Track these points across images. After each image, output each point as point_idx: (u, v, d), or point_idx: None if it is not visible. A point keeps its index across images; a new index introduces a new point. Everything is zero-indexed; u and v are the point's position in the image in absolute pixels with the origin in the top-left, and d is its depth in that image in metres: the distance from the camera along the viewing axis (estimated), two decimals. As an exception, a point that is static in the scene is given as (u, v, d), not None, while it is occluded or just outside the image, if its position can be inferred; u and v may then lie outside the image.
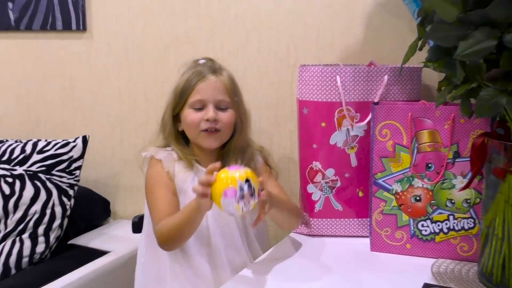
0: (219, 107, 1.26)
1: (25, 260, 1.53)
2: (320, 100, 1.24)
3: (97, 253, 1.56)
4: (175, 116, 1.30)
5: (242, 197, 0.98)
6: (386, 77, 1.23)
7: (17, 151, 1.66)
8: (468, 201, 1.13)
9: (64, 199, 1.61)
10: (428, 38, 0.97)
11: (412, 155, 1.15)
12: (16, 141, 1.72)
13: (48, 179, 1.60)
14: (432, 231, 1.15)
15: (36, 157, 1.64)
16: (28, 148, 1.66)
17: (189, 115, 1.26)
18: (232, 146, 1.29)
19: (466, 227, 1.14)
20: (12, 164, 1.64)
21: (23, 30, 1.89)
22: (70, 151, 1.64)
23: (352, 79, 1.23)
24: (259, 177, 1.05)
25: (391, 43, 1.39)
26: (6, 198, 1.58)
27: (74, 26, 1.81)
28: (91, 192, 1.81)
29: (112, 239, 1.68)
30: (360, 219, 1.29)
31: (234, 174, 1.00)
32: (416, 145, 1.14)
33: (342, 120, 1.24)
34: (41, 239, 1.56)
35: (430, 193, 1.15)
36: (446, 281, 1.04)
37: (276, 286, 1.05)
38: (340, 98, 1.23)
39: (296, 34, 1.51)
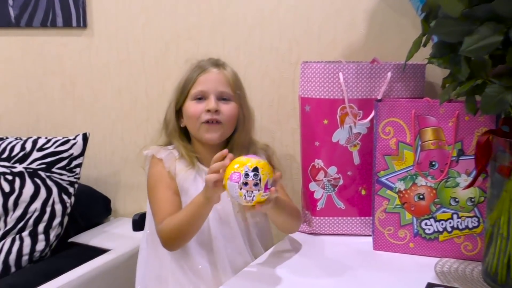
0: (221, 98, 1.25)
1: (25, 258, 1.52)
2: (322, 97, 1.23)
3: (98, 251, 1.55)
4: (178, 111, 1.29)
5: (246, 184, 0.98)
6: (389, 74, 1.22)
7: (17, 149, 1.65)
8: (473, 199, 1.11)
9: (64, 197, 1.60)
10: (432, 33, 0.96)
11: (415, 153, 1.13)
12: (16, 139, 1.71)
13: (48, 176, 1.60)
14: (436, 230, 1.14)
15: (36, 154, 1.63)
16: (28, 146, 1.65)
17: (191, 107, 1.25)
18: (234, 143, 1.28)
19: (470, 226, 1.12)
20: (12, 161, 1.63)
21: (23, 27, 1.89)
22: (70, 148, 1.63)
23: (355, 76, 1.22)
24: (276, 172, 1.04)
25: (394, 39, 1.38)
26: (6, 196, 1.57)
27: (74, 23, 1.80)
28: (92, 190, 1.80)
29: (113, 237, 1.67)
30: (362, 218, 1.28)
31: (245, 160, 1.01)
32: (420, 142, 1.13)
33: (344, 118, 1.23)
34: (41, 237, 1.55)
35: (434, 191, 1.13)
36: (450, 281, 1.03)
37: (277, 285, 1.04)
38: (342, 95, 1.22)
39: (298, 31, 1.50)
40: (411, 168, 1.14)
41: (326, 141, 1.25)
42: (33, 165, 1.61)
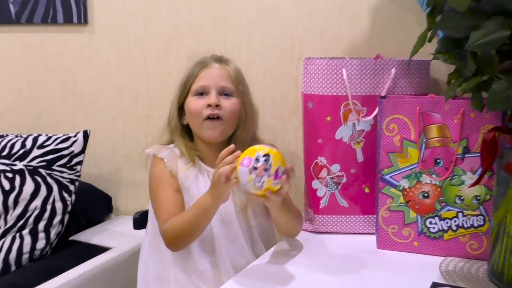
0: (222, 94, 1.24)
1: (25, 256, 1.51)
2: (325, 93, 1.21)
3: (99, 250, 1.55)
4: (180, 108, 1.28)
5: (255, 168, 0.97)
6: (393, 70, 1.20)
7: (17, 146, 1.65)
8: (478, 198, 1.10)
9: (65, 194, 1.59)
10: (438, 28, 0.94)
11: (420, 150, 1.12)
12: (16, 136, 1.70)
13: (48, 174, 1.59)
14: (441, 228, 1.13)
15: (36, 152, 1.62)
16: (28, 143, 1.65)
17: (192, 103, 1.24)
18: (237, 140, 1.26)
19: (475, 224, 1.11)
20: (12, 159, 1.62)
21: (24, 23, 1.88)
22: (71, 146, 1.62)
23: (359, 72, 1.20)
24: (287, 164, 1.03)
25: (398, 35, 1.37)
26: (6, 194, 1.57)
27: (75, 19, 1.79)
28: (93, 187, 1.79)
29: (114, 235, 1.66)
30: (366, 216, 1.27)
31: (258, 147, 1.01)
32: (424, 140, 1.12)
33: (348, 114, 1.22)
34: (41, 235, 1.54)
35: (439, 189, 1.12)
36: (455, 280, 1.01)
37: (279, 285, 1.03)
38: (346, 92, 1.20)
39: (301, 27, 1.48)
40: (416, 165, 1.13)
41: (329, 138, 1.23)
42: (34, 163, 1.60)
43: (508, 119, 1.00)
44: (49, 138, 1.65)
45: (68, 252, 1.58)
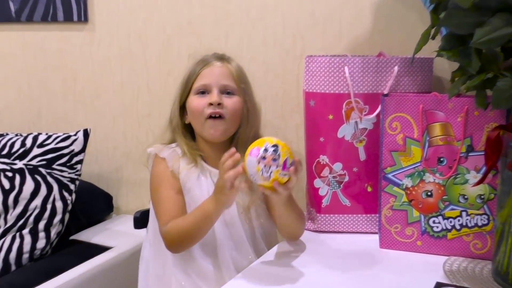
0: (224, 92, 1.23)
1: (26, 256, 1.51)
2: (327, 91, 1.20)
3: (99, 249, 1.54)
4: (182, 107, 1.27)
5: (264, 158, 0.98)
6: (396, 68, 1.19)
7: (17, 145, 1.64)
8: (482, 196, 1.09)
9: (65, 193, 1.58)
10: (442, 25, 0.93)
11: (423, 149, 1.11)
12: (16, 135, 1.69)
13: (48, 173, 1.58)
14: (444, 227, 1.12)
15: (36, 151, 1.62)
16: (28, 142, 1.64)
17: (193, 101, 1.23)
18: (239, 139, 1.25)
19: (479, 223, 1.10)
20: (12, 158, 1.62)
21: (24, 21, 1.87)
22: (71, 144, 1.62)
23: (361, 70, 1.19)
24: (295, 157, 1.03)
25: (401, 33, 1.36)
26: (6, 193, 1.56)
27: (75, 17, 1.79)
28: (93, 186, 1.79)
29: (115, 234, 1.65)
30: (368, 215, 1.26)
31: (266, 138, 1.01)
32: (428, 138, 1.11)
33: (350, 113, 1.21)
34: (41, 234, 1.53)
35: (442, 188, 1.11)
36: (459, 280, 1.00)
37: (281, 284, 1.02)
38: (348, 90, 1.19)
39: (303, 24, 1.48)
40: (419, 164, 1.12)
41: (331, 137, 1.22)
42: (34, 162, 1.60)
43: (513, 117, 0.99)
44: (49, 137, 1.64)
45: (68, 252, 1.57)
